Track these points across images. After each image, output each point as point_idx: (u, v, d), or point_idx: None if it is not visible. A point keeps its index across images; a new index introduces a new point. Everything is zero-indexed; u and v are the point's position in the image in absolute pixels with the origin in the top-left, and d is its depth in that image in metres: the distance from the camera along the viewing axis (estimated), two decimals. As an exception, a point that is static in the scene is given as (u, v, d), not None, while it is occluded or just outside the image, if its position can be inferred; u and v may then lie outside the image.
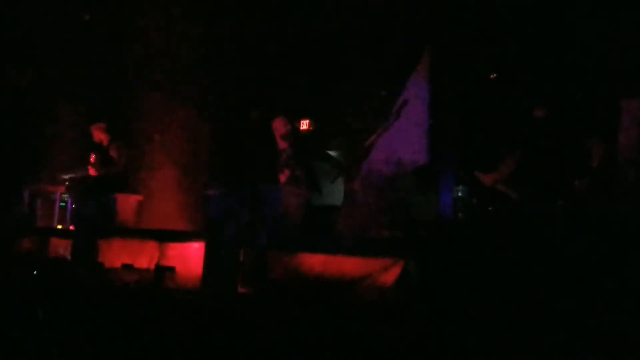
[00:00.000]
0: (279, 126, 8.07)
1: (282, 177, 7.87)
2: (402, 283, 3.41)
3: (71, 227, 8.98)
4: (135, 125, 9.50)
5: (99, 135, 8.99)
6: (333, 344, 4.55)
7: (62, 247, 8.52)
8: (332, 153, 8.33)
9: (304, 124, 10.17)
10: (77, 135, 9.80)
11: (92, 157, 8.92)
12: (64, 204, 8.98)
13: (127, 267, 7.61)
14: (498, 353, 3.72)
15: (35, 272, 7.53)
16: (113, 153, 8.89)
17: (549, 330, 4.07)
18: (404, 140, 7.70)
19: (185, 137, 9.44)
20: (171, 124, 9.47)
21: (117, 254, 7.93)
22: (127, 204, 8.73)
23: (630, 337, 3.76)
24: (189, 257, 7.50)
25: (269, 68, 9.45)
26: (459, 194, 5.85)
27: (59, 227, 8.93)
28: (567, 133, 6.53)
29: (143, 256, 7.74)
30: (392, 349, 3.55)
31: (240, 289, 6.86)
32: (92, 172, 8.90)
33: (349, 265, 6.32)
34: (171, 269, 7.34)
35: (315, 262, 6.65)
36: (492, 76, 8.00)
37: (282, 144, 8.07)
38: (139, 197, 8.94)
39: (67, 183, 9.01)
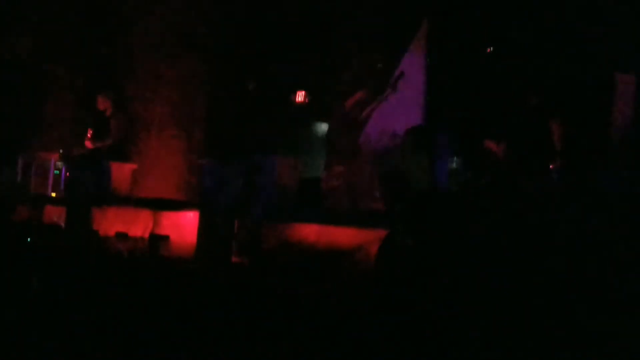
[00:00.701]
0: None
1: None
2: (383, 251, 3.41)
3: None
4: (131, 95, 9.44)
5: (104, 103, 8.94)
6: (325, 314, 4.58)
7: (56, 215, 8.52)
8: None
9: (300, 96, 10.15)
10: (72, 102, 9.74)
11: (90, 133, 8.92)
12: (58, 171, 8.95)
13: (121, 236, 7.62)
14: (489, 327, 3.74)
15: (29, 240, 7.53)
16: (113, 124, 8.87)
17: (542, 304, 4.08)
18: (400, 112, 7.70)
19: (181, 107, 9.40)
20: (167, 95, 9.42)
21: (112, 222, 7.94)
22: (121, 172, 8.73)
23: (624, 310, 3.79)
24: (183, 226, 7.53)
25: (265, 38, 9.39)
26: (454, 166, 5.86)
27: (53, 195, 8.91)
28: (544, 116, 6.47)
29: (137, 225, 7.76)
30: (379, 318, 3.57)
31: (234, 259, 6.89)
32: (88, 144, 8.90)
33: (342, 235, 6.36)
34: (165, 238, 7.37)
35: (309, 232, 6.69)
36: (489, 49, 7.96)
37: None
38: (134, 166, 8.93)
39: (61, 151, 8.98)
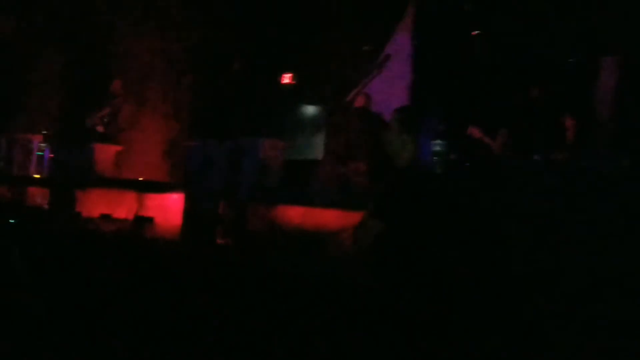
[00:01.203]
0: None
1: None
2: (360, 234, 3.43)
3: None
4: (115, 77, 9.38)
5: (118, 88, 8.94)
6: (309, 295, 4.59)
7: (39, 197, 8.47)
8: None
9: (286, 78, 10.11)
10: (55, 83, 9.67)
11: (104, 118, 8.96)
12: (41, 152, 8.90)
13: (106, 217, 7.59)
14: (473, 308, 3.75)
15: (12, 221, 7.48)
16: (125, 109, 8.90)
17: (524, 284, 4.11)
18: (385, 94, 7.69)
19: (166, 88, 9.35)
20: (152, 75, 9.36)
21: (96, 204, 7.91)
22: (105, 154, 8.68)
23: (609, 287, 3.82)
24: (168, 208, 7.51)
25: (251, 19, 9.33)
26: (438, 148, 5.83)
27: (37, 176, 8.86)
28: (548, 109, 6.51)
29: (122, 206, 7.73)
30: (366, 299, 3.58)
31: (220, 240, 6.88)
32: (100, 128, 8.95)
33: (328, 217, 6.36)
34: (150, 220, 7.35)
35: (294, 214, 6.68)
36: (474, 33, 7.94)
37: None
38: (118, 147, 8.88)
39: (44, 132, 8.93)
